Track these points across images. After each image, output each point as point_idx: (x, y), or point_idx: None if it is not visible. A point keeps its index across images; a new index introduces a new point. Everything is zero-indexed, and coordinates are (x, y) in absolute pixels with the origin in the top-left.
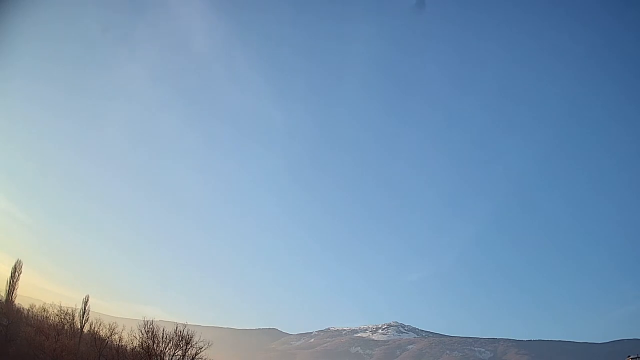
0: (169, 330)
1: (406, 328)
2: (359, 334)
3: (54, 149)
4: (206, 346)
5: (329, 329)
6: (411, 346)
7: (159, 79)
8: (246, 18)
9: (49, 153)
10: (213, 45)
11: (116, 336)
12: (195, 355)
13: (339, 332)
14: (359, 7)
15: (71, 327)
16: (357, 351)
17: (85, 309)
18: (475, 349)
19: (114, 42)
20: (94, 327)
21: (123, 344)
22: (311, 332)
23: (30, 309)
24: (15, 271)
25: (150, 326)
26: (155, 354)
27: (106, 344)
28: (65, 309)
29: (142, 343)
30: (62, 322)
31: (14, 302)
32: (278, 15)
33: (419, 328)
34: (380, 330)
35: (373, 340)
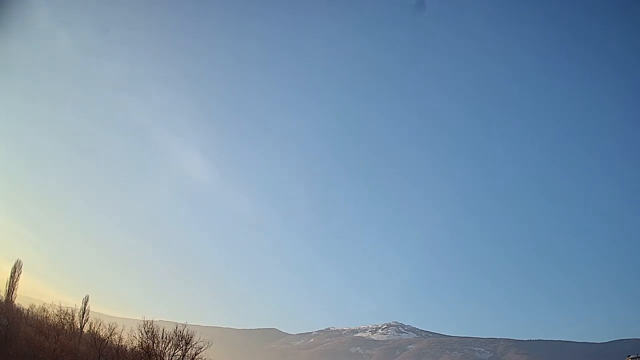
0: (169, 330)
1: (406, 328)
2: (359, 334)
3: (53, 151)
4: (206, 346)
5: (328, 329)
6: (411, 346)
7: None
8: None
9: (48, 156)
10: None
11: (116, 336)
12: (195, 355)
13: (338, 332)
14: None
15: (71, 327)
16: (357, 351)
17: (85, 309)
18: (475, 349)
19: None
20: (94, 327)
21: (123, 344)
22: (311, 332)
23: (30, 309)
24: (15, 271)
25: (150, 326)
26: (155, 354)
27: (106, 344)
28: (65, 309)
29: (141, 343)
30: (61, 322)
31: (13, 302)
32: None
33: (419, 328)
34: (380, 330)
35: (373, 340)
